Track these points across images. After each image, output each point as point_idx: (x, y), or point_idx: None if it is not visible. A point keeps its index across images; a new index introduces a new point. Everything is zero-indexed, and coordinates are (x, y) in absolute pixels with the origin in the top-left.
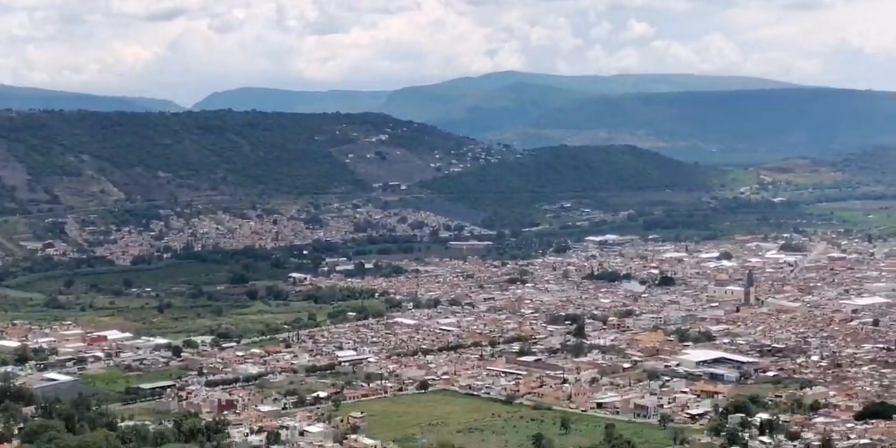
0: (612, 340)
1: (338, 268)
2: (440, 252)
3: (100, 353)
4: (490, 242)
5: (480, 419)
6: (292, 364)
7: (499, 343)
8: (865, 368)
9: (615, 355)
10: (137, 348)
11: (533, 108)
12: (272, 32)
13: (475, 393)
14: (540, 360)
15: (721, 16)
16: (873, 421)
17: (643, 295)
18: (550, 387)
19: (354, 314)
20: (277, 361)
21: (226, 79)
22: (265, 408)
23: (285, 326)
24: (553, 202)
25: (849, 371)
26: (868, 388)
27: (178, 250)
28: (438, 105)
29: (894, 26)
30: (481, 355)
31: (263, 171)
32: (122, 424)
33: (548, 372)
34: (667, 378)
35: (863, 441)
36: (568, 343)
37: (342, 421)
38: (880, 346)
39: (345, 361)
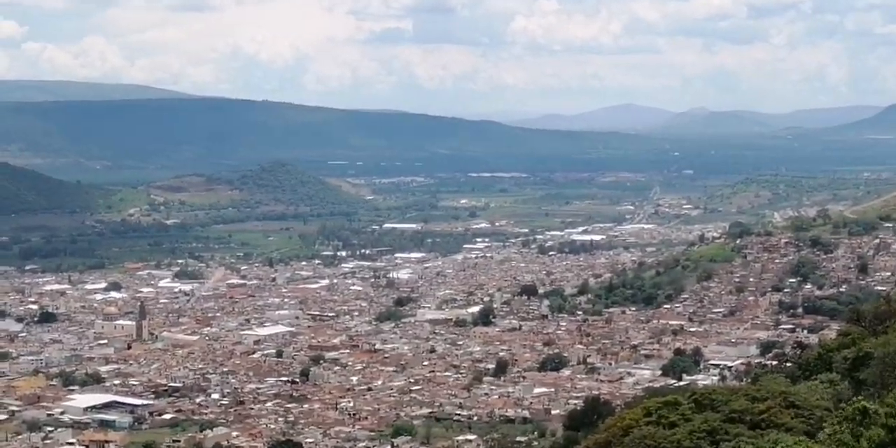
0: None
1: None
2: None
3: None
4: None
5: None
6: None
7: None
8: (269, 404)
9: None
10: None
11: None
12: None
13: None
14: None
15: (101, 16)
16: None
17: (21, 334)
18: None
19: None
20: None
21: None
22: None
23: None
24: None
25: (252, 408)
26: (273, 426)
27: None
28: None
29: (287, 34)
30: None
31: None
32: None
33: None
34: (50, 428)
35: None
36: None
37: None
38: (285, 379)
39: None
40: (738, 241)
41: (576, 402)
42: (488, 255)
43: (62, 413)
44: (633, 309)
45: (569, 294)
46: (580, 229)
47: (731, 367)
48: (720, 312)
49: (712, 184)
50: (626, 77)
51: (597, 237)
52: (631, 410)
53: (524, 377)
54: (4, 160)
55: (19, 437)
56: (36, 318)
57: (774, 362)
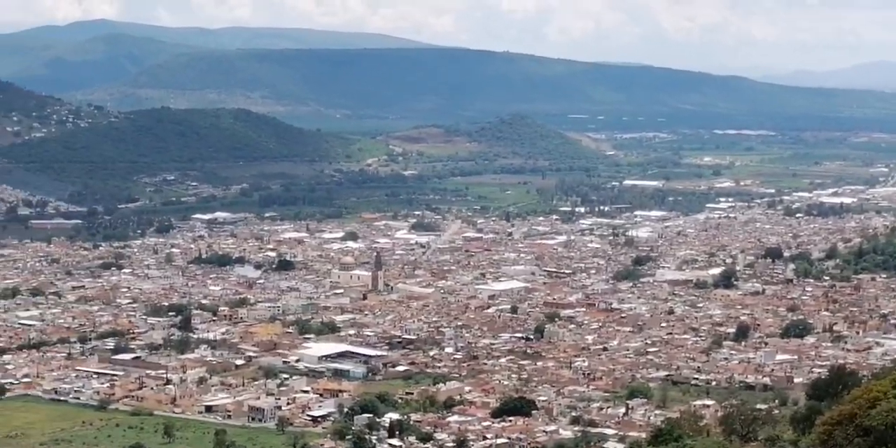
0: (224, 334)
1: None
2: (19, 233)
3: None
4: (79, 221)
5: (69, 428)
6: None
7: (90, 339)
8: (503, 360)
9: (227, 351)
10: None
11: (130, 63)
12: None
13: (62, 398)
14: (139, 358)
15: None
16: (511, 418)
17: (259, 281)
18: (152, 389)
19: None
20: None
21: None
22: None
23: None
24: (154, 174)
25: (485, 364)
26: (506, 382)
27: None
28: (16, 57)
29: None
30: (69, 354)
31: None
32: None
33: (148, 371)
34: (285, 376)
35: (500, 440)
36: (172, 338)
37: None
38: (518, 335)
39: None
40: None
41: (820, 370)
42: (732, 215)
43: (297, 361)
44: (884, 276)
45: (816, 258)
46: (830, 191)
47: None
48: None
49: None
50: (883, 33)
51: (847, 199)
52: (879, 382)
53: (766, 343)
54: (247, 107)
55: (255, 382)
56: (274, 266)
57: None
